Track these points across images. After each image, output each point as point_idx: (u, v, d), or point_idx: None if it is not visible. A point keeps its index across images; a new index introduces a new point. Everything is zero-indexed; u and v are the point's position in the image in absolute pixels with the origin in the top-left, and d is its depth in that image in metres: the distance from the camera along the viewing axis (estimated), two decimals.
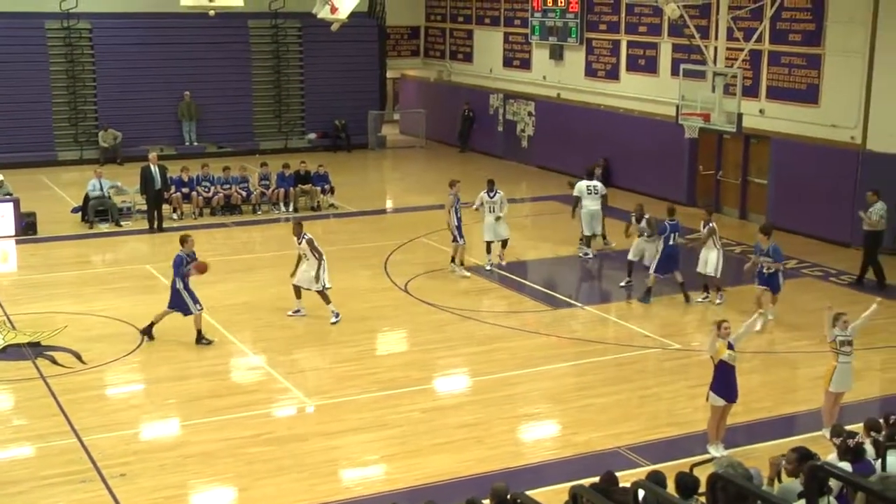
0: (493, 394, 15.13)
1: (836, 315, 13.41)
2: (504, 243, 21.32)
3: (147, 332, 17.07)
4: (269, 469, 12.67)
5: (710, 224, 18.92)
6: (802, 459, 9.08)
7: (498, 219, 20.93)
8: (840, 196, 23.12)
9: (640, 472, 11.34)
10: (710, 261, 18.84)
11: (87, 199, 25.19)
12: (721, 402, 12.82)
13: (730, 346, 12.78)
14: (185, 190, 25.92)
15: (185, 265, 16.84)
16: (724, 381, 12.78)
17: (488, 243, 21.19)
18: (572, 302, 19.64)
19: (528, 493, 9.58)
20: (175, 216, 25.62)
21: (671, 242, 19.05)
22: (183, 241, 17.24)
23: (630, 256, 20.02)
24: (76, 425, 13.78)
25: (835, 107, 23.33)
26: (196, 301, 16.89)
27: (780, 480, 9.73)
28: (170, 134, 33.69)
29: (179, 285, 16.79)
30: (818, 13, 23.61)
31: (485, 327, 17.92)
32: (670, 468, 10.31)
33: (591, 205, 22.03)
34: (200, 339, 16.88)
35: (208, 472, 12.64)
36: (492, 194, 21.04)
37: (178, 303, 16.86)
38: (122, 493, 12.05)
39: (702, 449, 12.82)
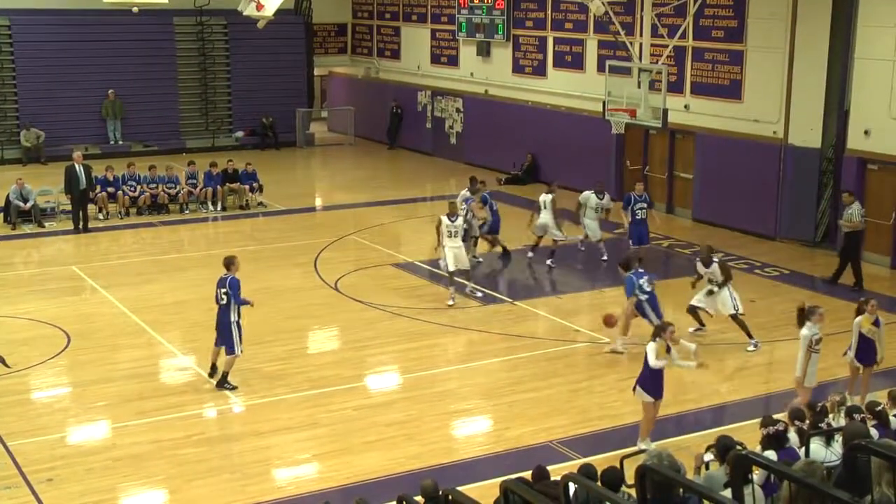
0: (424, 390, 15.16)
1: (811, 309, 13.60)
2: (475, 240, 21.49)
3: (223, 383, 14.97)
4: (200, 470, 12.56)
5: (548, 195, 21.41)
6: (726, 449, 9.24)
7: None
8: (764, 190, 23.54)
9: (572, 466, 11.47)
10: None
11: (9, 200, 24.73)
12: (648, 398, 12.91)
13: (668, 350, 12.89)
14: (110, 189, 25.57)
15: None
16: (652, 379, 12.88)
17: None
18: (503, 298, 19.73)
19: (460, 488, 9.60)
20: (101, 216, 25.27)
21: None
22: (231, 263, 15.06)
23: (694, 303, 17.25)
24: (1, 430, 13.52)
25: (757, 102, 23.72)
26: (241, 340, 14.91)
27: (707, 468, 9.89)
28: (94, 133, 33.17)
29: (234, 317, 14.73)
30: (740, 10, 23.99)
31: (416, 324, 17.94)
32: (601, 461, 10.44)
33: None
34: (224, 383, 14.89)
35: (138, 475, 12.49)
36: (475, 192, 21.54)
37: (227, 338, 14.80)
38: (49, 498, 11.87)
39: (632, 442, 12.96)
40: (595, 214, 21.70)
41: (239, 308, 14.78)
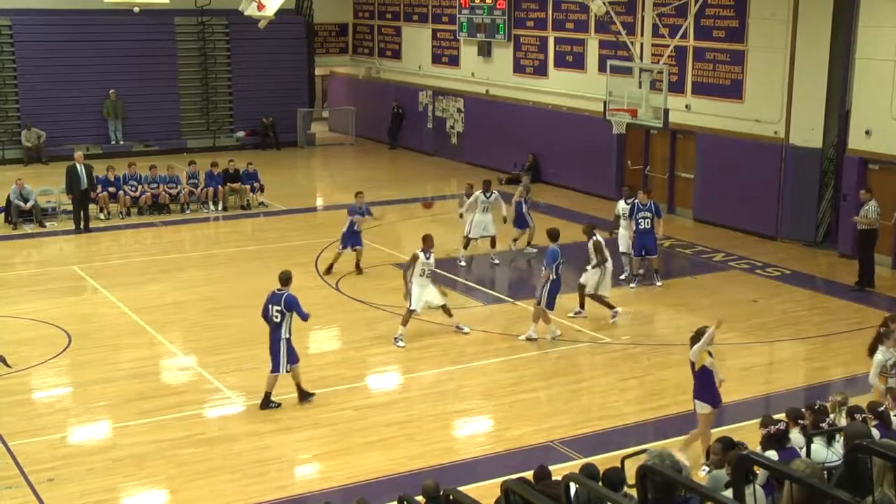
0: (424, 390, 15.16)
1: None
2: (493, 240, 21.66)
3: (266, 403, 14.33)
4: (201, 470, 12.55)
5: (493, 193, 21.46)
6: (727, 449, 9.23)
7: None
8: (765, 190, 23.52)
9: (573, 466, 11.46)
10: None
11: (9, 200, 24.72)
12: (708, 408, 12.42)
13: (709, 353, 12.46)
14: (111, 189, 25.55)
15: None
16: (706, 387, 12.40)
17: (469, 239, 21.49)
18: (504, 297, 19.72)
19: (460, 489, 9.60)
20: (102, 216, 25.27)
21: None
22: (289, 279, 14.46)
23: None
24: (1, 430, 13.51)
25: (758, 102, 23.71)
26: (287, 360, 14.28)
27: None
28: (95, 132, 33.15)
29: (286, 334, 14.15)
30: (741, 10, 23.97)
31: (416, 324, 17.86)
32: (602, 461, 10.42)
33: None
34: (268, 402, 14.30)
35: (138, 475, 12.48)
36: (488, 195, 21.48)
37: (273, 356, 14.24)
38: (49, 498, 11.86)
39: (634, 441, 12.89)
40: (626, 223, 20.17)
41: (290, 325, 14.15)
